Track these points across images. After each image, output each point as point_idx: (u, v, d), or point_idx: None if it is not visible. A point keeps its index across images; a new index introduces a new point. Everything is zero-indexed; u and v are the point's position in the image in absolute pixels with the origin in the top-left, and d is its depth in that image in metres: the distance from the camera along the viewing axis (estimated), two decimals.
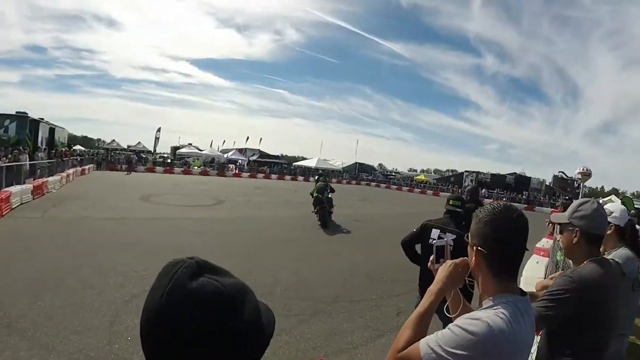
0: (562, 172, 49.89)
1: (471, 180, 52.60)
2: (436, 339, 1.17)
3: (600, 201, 3.68)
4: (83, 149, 48.88)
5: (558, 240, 6.82)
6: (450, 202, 4.42)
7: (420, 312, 1.34)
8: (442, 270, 1.42)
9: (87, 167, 28.75)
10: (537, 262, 7.79)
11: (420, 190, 47.20)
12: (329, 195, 14.14)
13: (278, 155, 67.58)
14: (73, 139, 48.77)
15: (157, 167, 38.03)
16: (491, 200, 33.78)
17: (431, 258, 1.63)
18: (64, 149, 27.41)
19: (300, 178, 45.38)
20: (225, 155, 51.52)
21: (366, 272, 8.14)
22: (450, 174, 73.12)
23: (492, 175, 55.28)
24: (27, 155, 16.50)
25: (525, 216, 1.30)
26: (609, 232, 2.65)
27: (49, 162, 19.33)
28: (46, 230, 9.53)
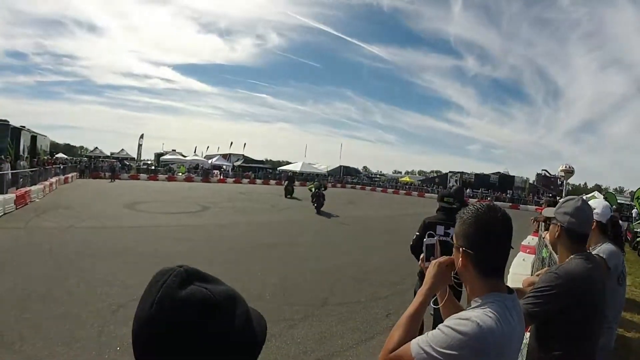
0: (545, 170, 50.83)
1: (455, 181, 53.06)
2: (427, 339, 1.18)
3: (584, 197, 3.78)
4: (66, 157, 47.91)
5: (543, 238, 6.96)
6: (445, 200, 4.55)
7: (410, 312, 1.35)
8: (430, 271, 1.43)
9: (70, 175, 28.22)
10: (524, 260, 7.90)
11: (405, 191, 47.32)
12: (323, 192, 19.27)
13: (262, 160, 67.26)
14: (55, 147, 47.90)
15: (141, 175, 37.65)
16: (476, 199, 34.21)
17: (421, 256, 1.63)
18: (46, 157, 26.92)
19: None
20: (210, 161, 51.07)
21: (353, 275, 8.17)
22: (435, 174, 73.51)
23: (476, 175, 55.69)
24: (9, 164, 16.12)
25: (509, 215, 1.31)
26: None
27: (31, 171, 18.99)
28: (30, 241, 9.34)
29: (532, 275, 4.94)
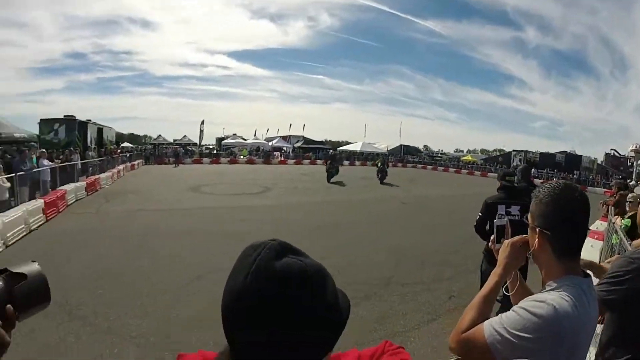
0: (615, 150, 46.95)
1: (520, 160, 50.47)
2: (501, 321, 1.16)
3: None
4: (131, 145, 50.21)
5: (613, 223, 6.48)
6: (507, 178, 4.54)
7: (484, 293, 1.33)
8: (503, 251, 1.40)
9: (136, 162, 29.52)
10: (592, 246, 7.44)
11: (467, 171, 45.65)
12: (386, 168, 23.67)
13: (322, 141, 67.40)
14: (121, 137, 50.25)
15: (204, 159, 38.65)
16: (541, 180, 32.43)
17: (492, 238, 1.61)
18: (112, 147, 28.43)
19: (346, 162, 44.33)
20: (270, 144, 51.77)
21: (415, 255, 8.01)
22: (498, 153, 70.28)
23: (541, 154, 52.67)
24: (79, 155, 17.13)
25: (586, 194, 1.25)
26: None
27: (99, 160, 20.16)
28: (101, 224, 9.86)
29: (600, 262, 4.62)
